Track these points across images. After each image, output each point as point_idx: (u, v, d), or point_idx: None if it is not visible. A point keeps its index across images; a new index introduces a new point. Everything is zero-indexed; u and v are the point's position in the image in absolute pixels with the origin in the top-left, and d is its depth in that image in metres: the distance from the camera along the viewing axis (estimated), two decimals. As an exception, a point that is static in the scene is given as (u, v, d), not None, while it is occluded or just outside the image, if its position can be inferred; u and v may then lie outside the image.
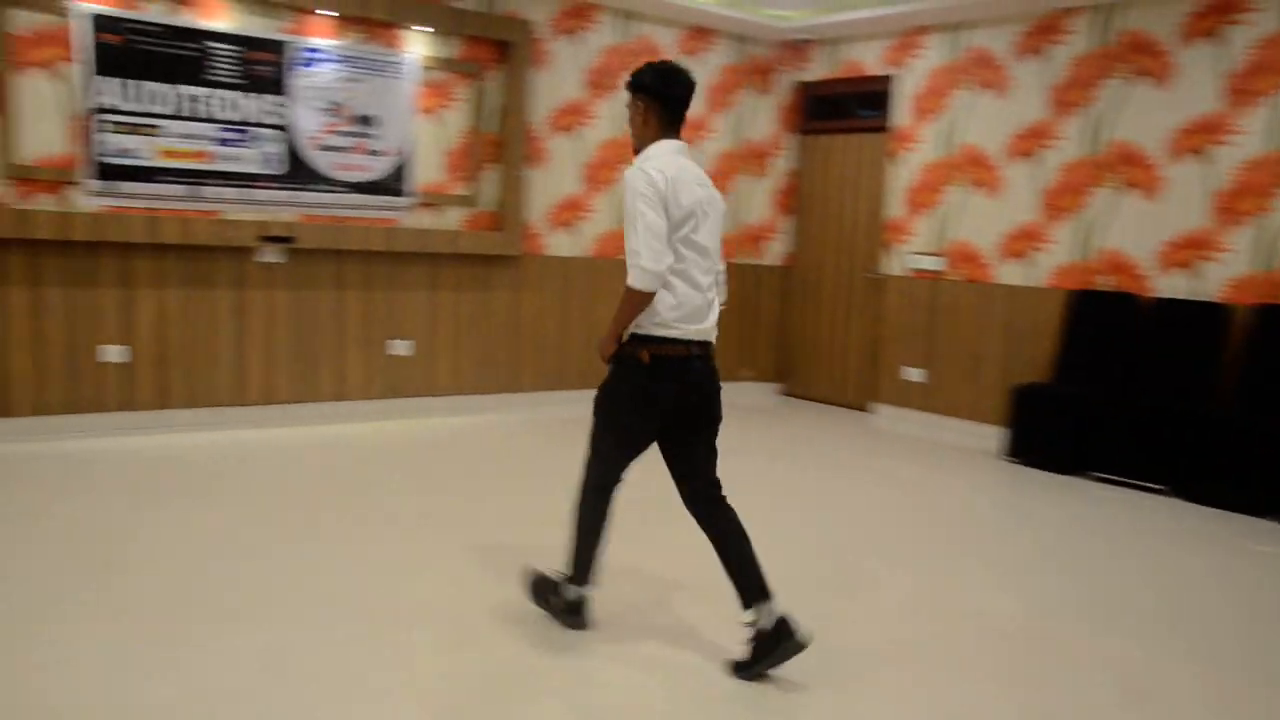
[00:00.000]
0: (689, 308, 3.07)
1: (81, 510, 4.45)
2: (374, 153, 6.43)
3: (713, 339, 3.18)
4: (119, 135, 5.69)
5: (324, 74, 6.22)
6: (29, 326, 5.59)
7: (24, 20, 5.43)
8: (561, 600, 3.37)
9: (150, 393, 5.94)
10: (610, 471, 3.24)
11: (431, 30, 6.54)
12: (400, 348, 6.68)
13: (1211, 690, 3.26)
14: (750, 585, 3.11)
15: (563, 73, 7.14)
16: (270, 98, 6.08)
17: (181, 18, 5.82)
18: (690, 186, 3.07)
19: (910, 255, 7.50)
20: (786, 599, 3.21)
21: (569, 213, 7.32)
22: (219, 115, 5.94)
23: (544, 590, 3.43)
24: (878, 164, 7.81)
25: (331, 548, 4.12)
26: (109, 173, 5.69)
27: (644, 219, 2.98)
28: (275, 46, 6.06)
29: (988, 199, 7.01)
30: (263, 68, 6.05)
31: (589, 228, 7.43)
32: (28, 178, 5.53)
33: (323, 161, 6.28)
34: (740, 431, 6.94)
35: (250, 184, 6.08)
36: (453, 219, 6.87)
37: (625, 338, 3.11)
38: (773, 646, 3.05)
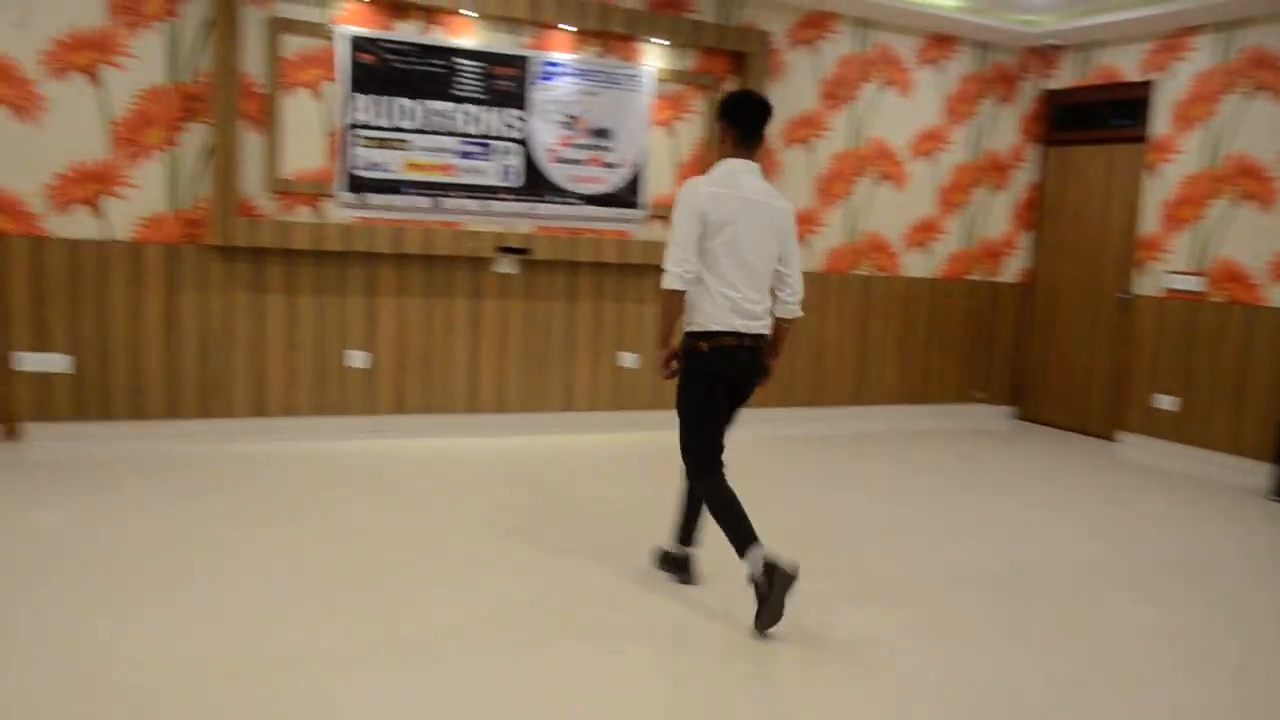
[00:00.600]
0: (729, 306, 3.45)
1: (338, 505, 4.58)
2: (609, 165, 6.44)
3: (764, 332, 3.57)
4: (370, 150, 5.90)
5: (562, 87, 6.27)
6: (284, 332, 5.85)
7: (293, 45, 5.71)
8: (762, 577, 3.35)
9: (390, 398, 6.12)
10: (711, 453, 3.57)
11: (668, 43, 6.50)
12: (628, 360, 6.64)
13: None
14: (688, 529, 3.78)
15: (798, 84, 6.97)
16: (511, 111, 6.18)
17: (432, 36, 5.99)
18: (735, 200, 3.43)
19: (1166, 274, 6.90)
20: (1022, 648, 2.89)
21: (803, 227, 7.11)
22: (462, 129, 6.08)
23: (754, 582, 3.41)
24: (1131, 177, 7.24)
25: (580, 561, 4.07)
26: (360, 185, 5.91)
27: (674, 226, 3.44)
28: (517, 61, 6.16)
29: (1260, 213, 6.35)
30: (504, 82, 6.15)
31: (820, 241, 7.20)
32: (288, 191, 5.80)
33: (559, 174, 6.33)
34: (971, 458, 6.55)
35: (490, 196, 6.19)
36: (682, 232, 6.78)
37: (680, 340, 3.57)
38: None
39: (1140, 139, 7.15)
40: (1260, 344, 6.35)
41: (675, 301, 3.45)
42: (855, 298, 7.37)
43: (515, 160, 6.22)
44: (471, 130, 6.10)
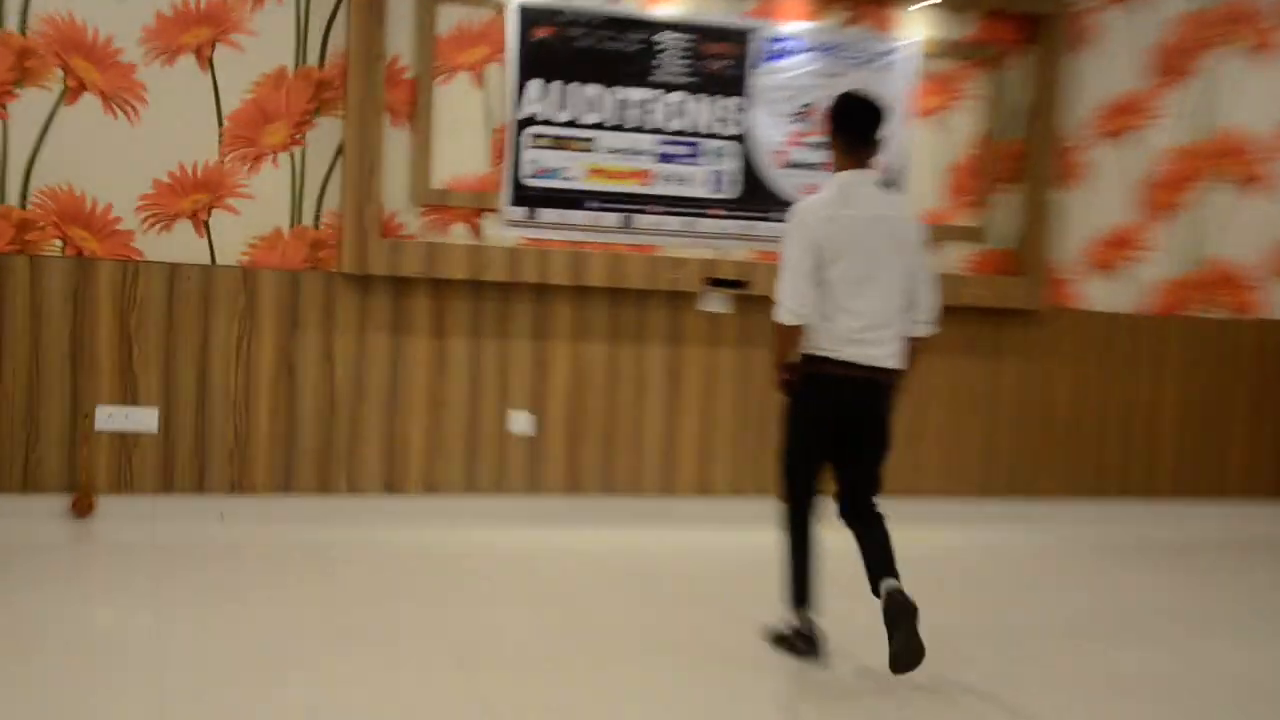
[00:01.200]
0: (847, 335, 3.18)
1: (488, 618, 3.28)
2: (858, 170, 4.87)
3: (888, 365, 3.23)
4: (544, 151, 4.63)
5: (794, 69, 4.83)
6: (429, 385, 4.58)
7: (450, 18, 4.51)
8: (793, 633, 3.22)
9: (561, 474, 4.74)
10: (800, 485, 3.29)
11: (936, 2, 4.88)
12: (873, 430, 4.97)
13: None
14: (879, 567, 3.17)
15: (1114, 55, 5.18)
16: (726, 101, 4.78)
17: (625, 5, 4.67)
18: (852, 222, 3.18)
19: None
20: None
21: (1114, 251, 5.29)
22: (662, 125, 4.73)
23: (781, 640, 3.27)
24: None
25: None
26: (530, 198, 4.62)
27: (788, 257, 3.23)
28: (736, 36, 4.77)
29: None
30: (719, 63, 4.77)
31: (1143, 271, 5.33)
32: (441, 205, 4.56)
33: (787, 183, 4.82)
34: None
35: (697, 211, 4.80)
36: (954, 259, 5.11)
37: (796, 359, 3.28)
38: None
39: None
40: None
41: (790, 337, 3.24)
42: (1194, 351, 5.40)
43: (731, 164, 4.81)
44: (674, 126, 4.74)
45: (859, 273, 3.19)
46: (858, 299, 3.19)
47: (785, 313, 3.19)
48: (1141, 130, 5.28)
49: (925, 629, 2.92)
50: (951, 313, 5.05)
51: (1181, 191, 5.32)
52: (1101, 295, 5.31)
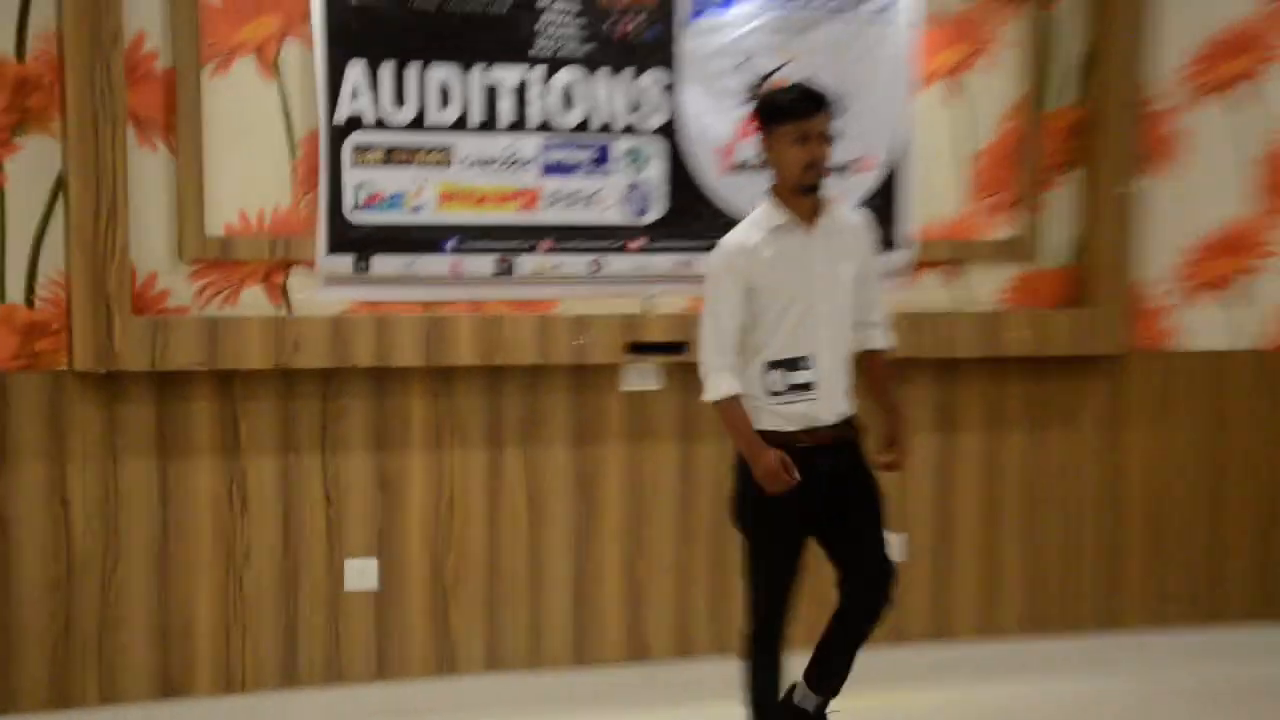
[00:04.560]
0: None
1: None
2: (833, 170, 3.37)
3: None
4: (375, 170, 3.23)
5: (739, 24, 3.41)
6: (220, 529, 3.22)
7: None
8: None
9: (423, 647, 3.37)
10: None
11: (948, -88, 3.39)
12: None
13: None
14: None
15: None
16: (643, 77, 3.36)
17: (481, -54, 3.23)
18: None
19: None
20: None
21: (1229, 261, 3.78)
22: (550, 119, 3.31)
23: None
24: None
25: None
26: (360, 240, 3.21)
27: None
28: (649, -16, 3.30)
29: None
30: (629, 20, 3.31)
31: (1269, 290, 3.81)
32: (222, 259, 3.16)
33: (738, 194, 3.37)
34: None
35: (608, 245, 3.38)
36: (982, 284, 3.65)
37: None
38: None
39: None
40: None
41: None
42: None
43: (655, 171, 3.39)
44: (568, 120, 3.36)
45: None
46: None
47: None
48: (1260, 80, 3.77)
49: None
50: (990, 366, 3.64)
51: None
52: (1211, 326, 3.81)
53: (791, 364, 2.88)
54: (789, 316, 2.88)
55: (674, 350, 3.30)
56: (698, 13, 3.34)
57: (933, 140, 3.61)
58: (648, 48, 3.32)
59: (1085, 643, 3.74)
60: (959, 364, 3.60)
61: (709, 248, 2.96)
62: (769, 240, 2.89)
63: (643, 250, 3.36)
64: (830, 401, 2.89)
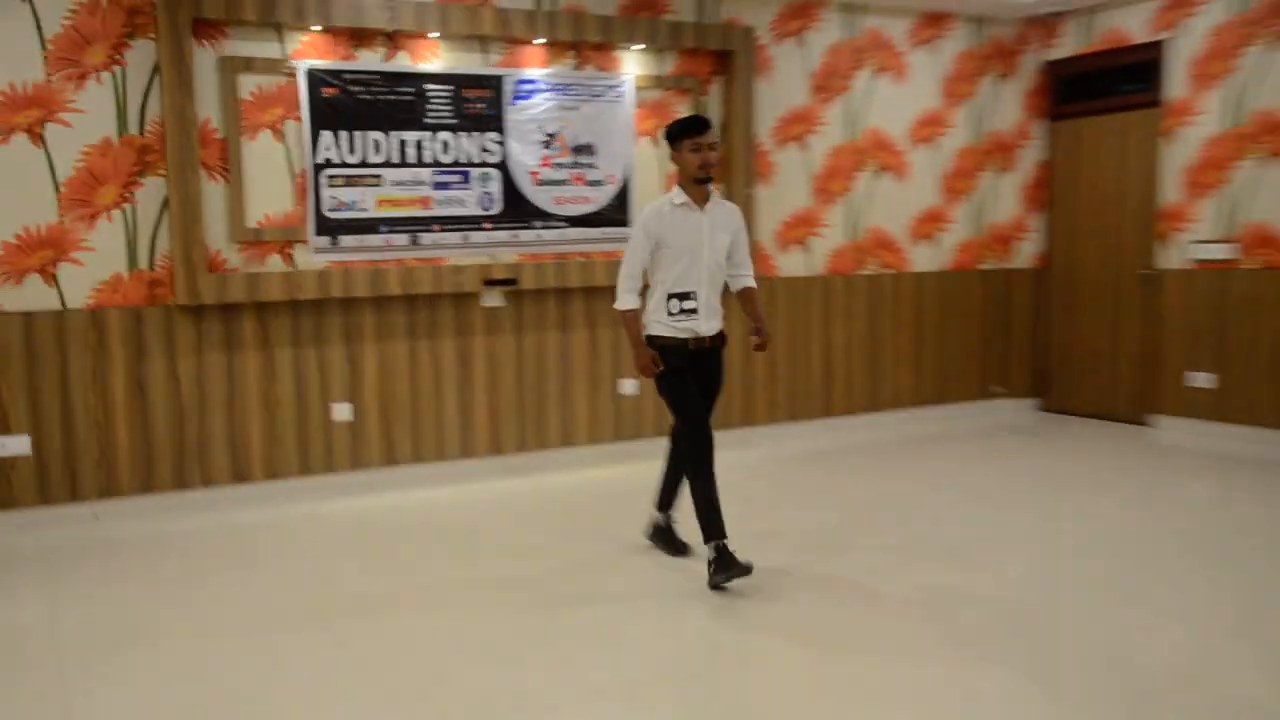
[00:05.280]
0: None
1: (330, 576, 4.24)
2: (594, 183, 6.06)
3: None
4: (340, 189, 5.53)
5: (539, 105, 5.90)
6: (261, 390, 5.49)
7: (250, 84, 5.34)
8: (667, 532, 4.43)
9: (379, 450, 5.77)
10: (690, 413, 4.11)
11: (645, 47, 6.12)
12: (629, 387, 6.28)
13: None
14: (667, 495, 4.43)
15: (787, 79, 6.59)
16: (486, 135, 5.81)
17: (396, 63, 5.62)
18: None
19: (1193, 245, 6.52)
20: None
21: (802, 229, 6.75)
22: (436, 159, 5.71)
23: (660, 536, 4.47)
24: (1147, 145, 6.85)
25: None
26: (331, 228, 5.54)
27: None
28: (489, 82, 5.79)
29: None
30: (477, 105, 5.78)
31: (821, 244, 6.83)
32: (256, 241, 5.43)
33: (542, 197, 5.95)
34: (995, 458, 6.20)
35: (470, 227, 5.83)
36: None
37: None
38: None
39: (1153, 104, 6.76)
40: (1300, 314, 5.99)
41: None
42: (862, 299, 7.00)
43: (495, 186, 5.86)
44: (446, 159, 5.73)
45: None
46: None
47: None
48: (813, 135, 6.73)
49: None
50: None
51: (845, 179, 6.85)
52: (794, 265, 6.79)
53: (683, 295, 4.01)
54: (680, 263, 4.00)
55: (510, 284, 5.86)
56: (515, 99, 5.85)
57: (646, 166, 6.23)
58: (488, 119, 5.79)
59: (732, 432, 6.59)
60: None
61: (529, 227, 5.54)
62: (674, 211, 4.00)
63: (491, 229, 5.89)
64: (706, 321, 4.05)
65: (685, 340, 4.03)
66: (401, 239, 5.69)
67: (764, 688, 3.24)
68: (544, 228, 5.99)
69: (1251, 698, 3.08)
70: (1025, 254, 7.58)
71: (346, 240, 5.58)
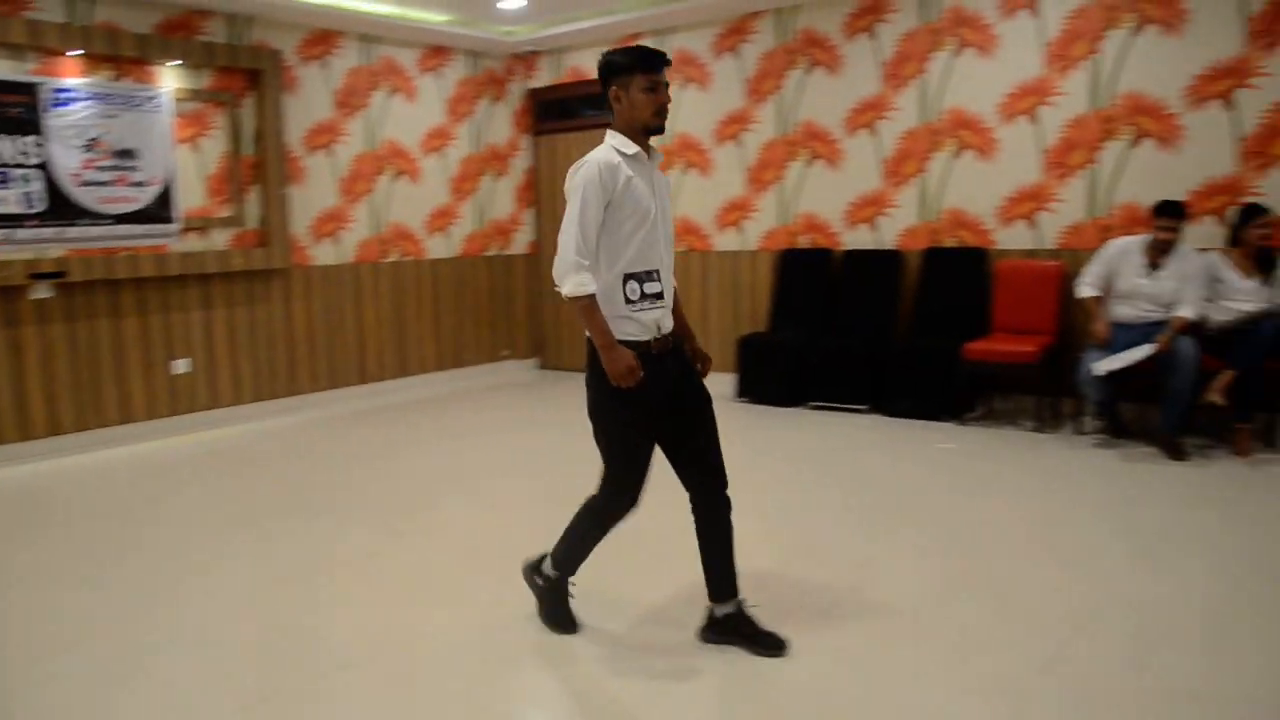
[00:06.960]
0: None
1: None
2: (137, 184, 6.68)
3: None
4: None
5: (78, 112, 6.39)
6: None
7: None
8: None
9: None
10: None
11: (182, 63, 6.86)
12: (181, 366, 6.99)
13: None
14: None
15: (313, 96, 7.63)
16: (25, 139, 6.20)
17: (-75, 67, 5.89)
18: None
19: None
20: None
21: (331, 224, 7.83)
22: None
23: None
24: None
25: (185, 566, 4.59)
26: None
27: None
28: (25, 89, 6.19)
29: (703, 178, 8.12)
30: (15, 109, 6.15)
31: (350, 236, 7.97)
32: None
33: (86, 197, 6.46)
34: (505, 404, 7.75)
35: (14, 224, 6.19)
36: (220, 239, 7.24)
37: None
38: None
39: (608, 124, 8.65)
40: (714, 281, 8.16)
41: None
42: (388, 283, 8.25)
43: (37, 186, 6.27)
44: None
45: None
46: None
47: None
48: (339, 144, 7.83)
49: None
50: (225, 277, 7.21)
51: (371, 182, 8.05)
52: (326, 254, 7.86)
53: (645, 276, 2.85)
54: (640, 233, 2.84)
55: (58, 276, 6.33)
56: (54, 105, 6.27)
57: (188, 170, 6.94)
58: (27, 123, 6.19)
59: (281, 402, 7.58)
60: (213, 277, 7.14)
61: (74, 224, 6.12)
62: (627, 164, 2.87)
63: (36, 226, 6.30)
64: (668, 312, 2.96)
65: (647, 342, 2.96)
66: (-57, 236, 5.96)
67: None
68: (90, 225, 6.51)
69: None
70: (520, 242, 9.27)
71: (-115, 237, 5.76)
